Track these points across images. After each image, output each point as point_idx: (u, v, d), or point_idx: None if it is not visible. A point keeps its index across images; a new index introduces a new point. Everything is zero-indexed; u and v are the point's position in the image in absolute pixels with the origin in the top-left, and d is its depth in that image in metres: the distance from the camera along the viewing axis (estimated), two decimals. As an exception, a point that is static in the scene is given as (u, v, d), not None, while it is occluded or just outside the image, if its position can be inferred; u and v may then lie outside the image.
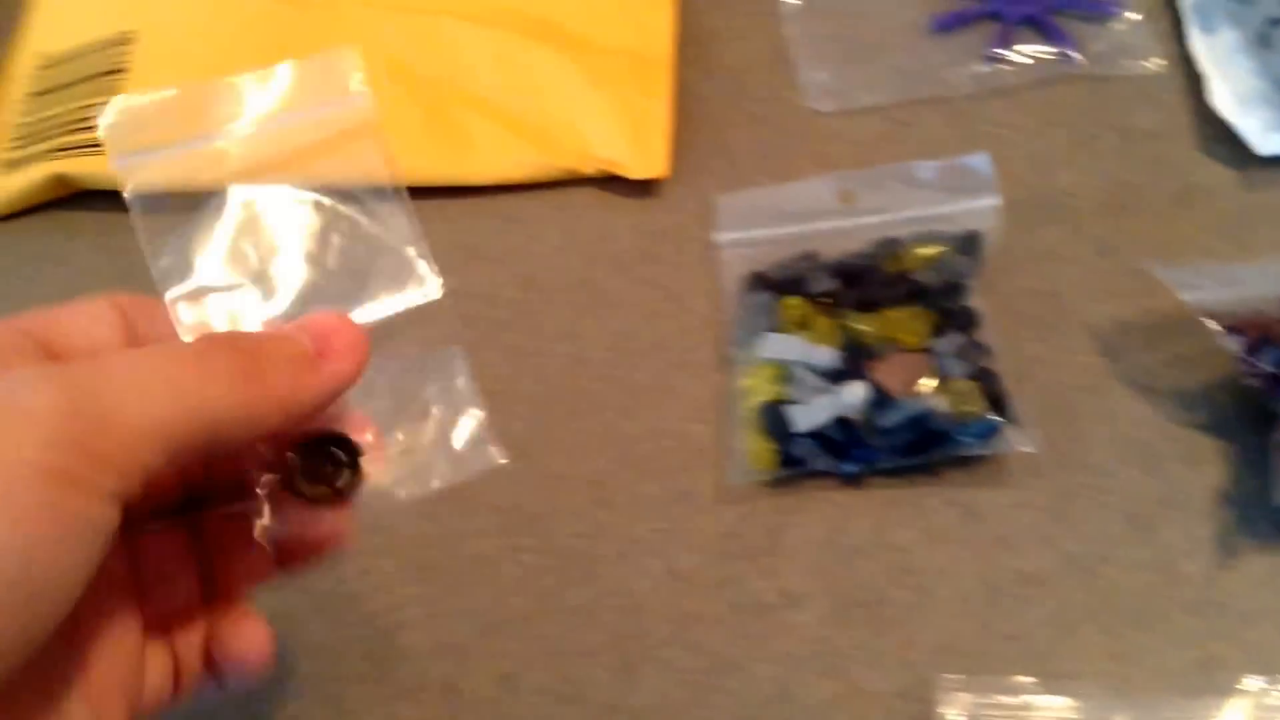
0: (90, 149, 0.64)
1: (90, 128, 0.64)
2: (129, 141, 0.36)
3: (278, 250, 0.38)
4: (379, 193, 0.38)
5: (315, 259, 0.38)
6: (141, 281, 0.59)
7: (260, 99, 0.38)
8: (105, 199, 0.65)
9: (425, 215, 0.63)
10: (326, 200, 0.38)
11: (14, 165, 0.65)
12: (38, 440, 0.29)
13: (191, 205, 0.38)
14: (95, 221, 0.65)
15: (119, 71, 0.66)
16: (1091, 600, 0.51)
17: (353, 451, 0.38)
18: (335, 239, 0.38)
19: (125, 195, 0.37)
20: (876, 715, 0.49)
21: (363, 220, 0.38)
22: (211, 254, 0.37)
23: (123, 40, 0.67)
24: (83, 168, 0.64)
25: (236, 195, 0.38)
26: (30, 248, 0.65)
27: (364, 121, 0.38)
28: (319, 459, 0.37)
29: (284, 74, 0.38)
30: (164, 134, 0.37)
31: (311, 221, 0.38)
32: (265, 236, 0.38)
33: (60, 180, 0.64)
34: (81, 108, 0.65)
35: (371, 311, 0.38)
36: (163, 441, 0.31)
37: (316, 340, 0.36)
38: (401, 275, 0.38)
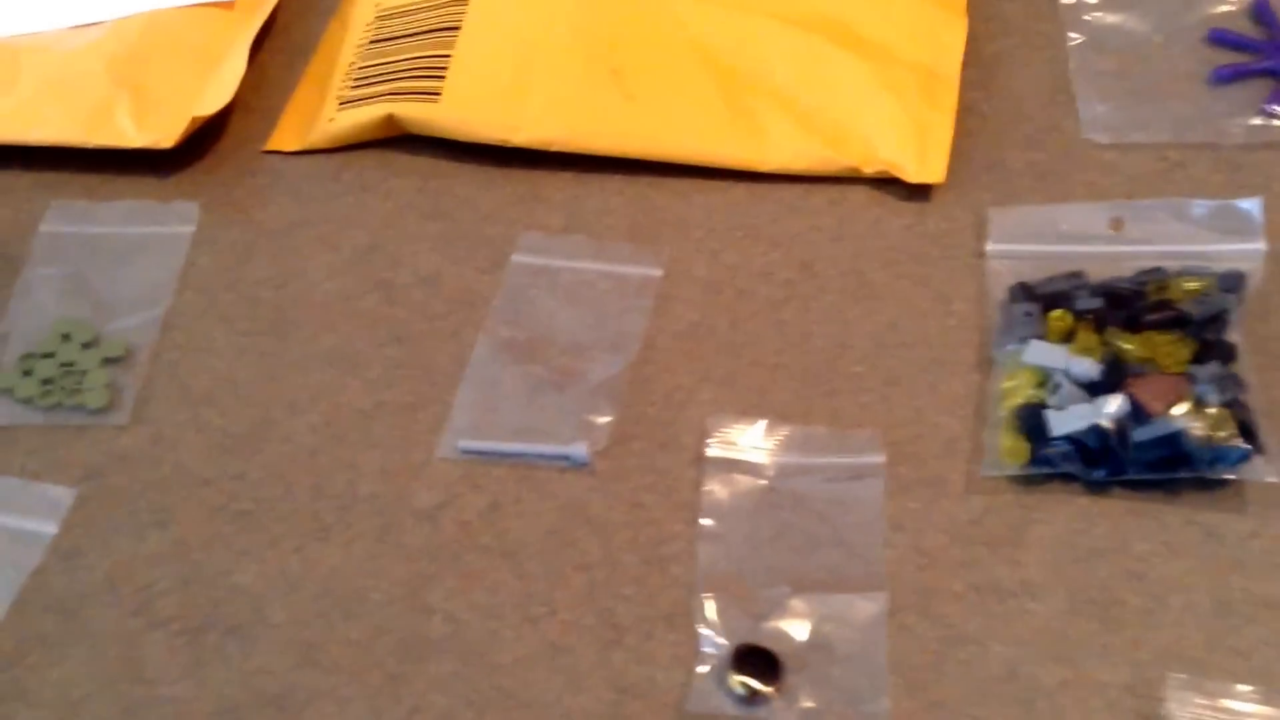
0: (420, 95, 0.71)
1: (423, 76, 0.72)
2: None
3: None
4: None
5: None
6: (454, 222, 0.67)
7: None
8: (429, 144, 0.73)
9: (710, 196, 0.70)
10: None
11: (351, 103, 0.73)
12: None
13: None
14: (418, 164, 0.73)
15: (452, 29, 0.73)
16: (1319, 630, 0.54)
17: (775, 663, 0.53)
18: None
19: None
20: (1100, 704, 0.53)
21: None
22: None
23: (457, 0, 0.74)
24: (412, 112, 0.71)
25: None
26: (358, 179, 0.73)
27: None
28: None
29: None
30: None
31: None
32: None
33: (390, 121, 0.72)
34: (416, 58, 0.73)
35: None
36: None
37: None
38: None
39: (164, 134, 0.72)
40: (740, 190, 0.70)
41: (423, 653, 0.55)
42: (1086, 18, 0.76)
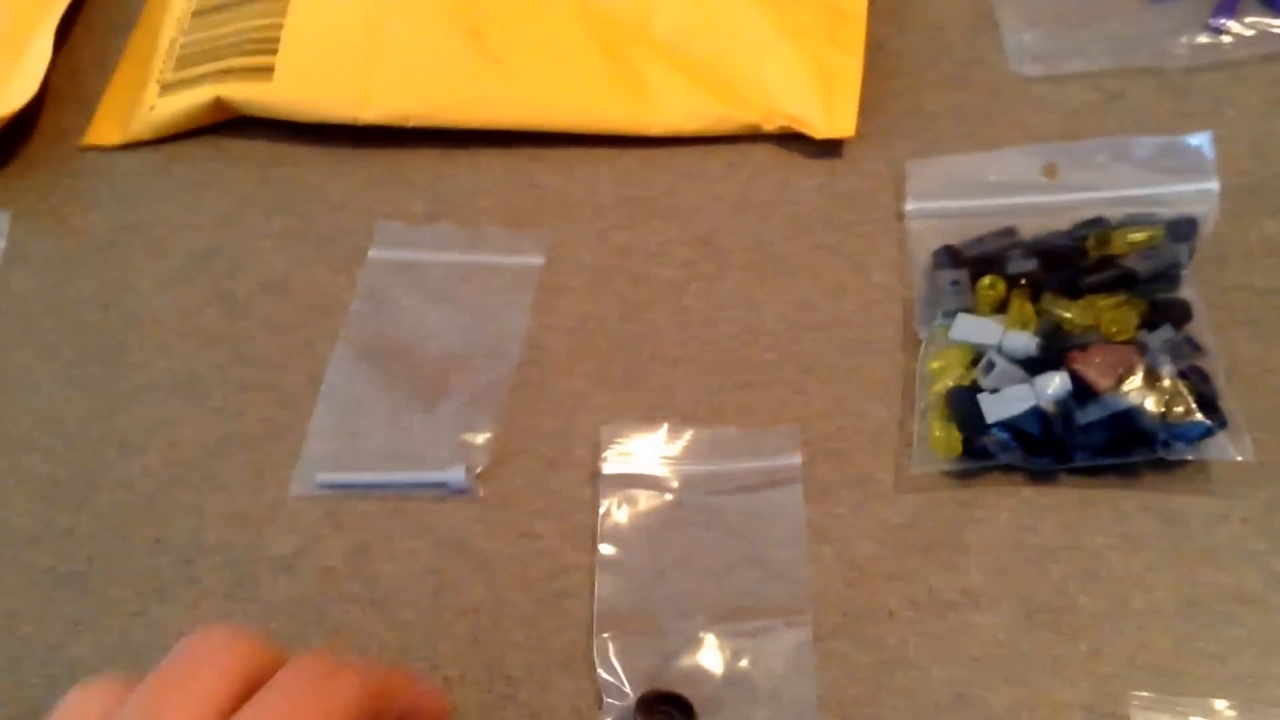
0: (251, 73, 0.66)
1: (252, 50, 0.67)
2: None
3: None
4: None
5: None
6: (301, 216, 0.62)
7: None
8: (269, 127, 0.68)
9: (595, 167, 0.66)
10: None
11: (173, 87, 0.68)
12: None
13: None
14: (258, 150, 0.68)
15: (285, -7, 0.68)
16: (1299, 624, 0.51)
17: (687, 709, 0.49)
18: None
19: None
20: (1059, 728, 0.49)
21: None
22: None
23: (290, -39, 0.69)
24: (243, 93, 0.66)
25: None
26: (190, 173, 0.68)
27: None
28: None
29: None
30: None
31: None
32: None
33: (219, 105, 0.67)
34: (244, 29, 0.67)
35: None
36: None
37: None
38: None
39: (-40, 137, 0.66)
40: (629, 159, 0.66)
41: (288, 723, 0.51)
42: (1009, -68, 0.71)
